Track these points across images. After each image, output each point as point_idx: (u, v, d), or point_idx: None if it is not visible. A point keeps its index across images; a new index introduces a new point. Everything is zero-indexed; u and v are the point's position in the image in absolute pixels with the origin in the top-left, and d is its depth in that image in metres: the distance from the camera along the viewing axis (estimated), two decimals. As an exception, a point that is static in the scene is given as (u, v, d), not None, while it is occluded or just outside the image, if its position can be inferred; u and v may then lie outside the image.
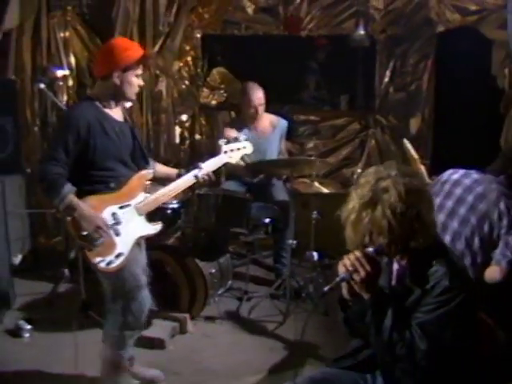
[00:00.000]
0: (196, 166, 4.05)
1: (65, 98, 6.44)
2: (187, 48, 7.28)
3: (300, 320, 4.85)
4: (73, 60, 6.53)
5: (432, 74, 6.58)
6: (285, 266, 5.55)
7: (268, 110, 5.87)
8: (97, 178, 3.69)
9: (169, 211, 5.35)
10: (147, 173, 3.88)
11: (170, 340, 4.65)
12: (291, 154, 6.80)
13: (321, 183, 5.64)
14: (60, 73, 6.32)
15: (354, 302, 2.56)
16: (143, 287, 3.87)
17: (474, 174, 3.72)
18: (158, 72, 7.07)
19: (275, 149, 5.80)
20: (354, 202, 2.45)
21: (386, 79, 6.80)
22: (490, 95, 6.05)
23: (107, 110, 3.75)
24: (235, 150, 4.31)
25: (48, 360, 4.33)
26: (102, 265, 3.64)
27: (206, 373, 4.26)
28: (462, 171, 3.79)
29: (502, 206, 3.46)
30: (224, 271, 5.25)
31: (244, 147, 4.37)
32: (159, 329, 4.69)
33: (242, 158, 4.50)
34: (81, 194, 3.61)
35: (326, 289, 2.48)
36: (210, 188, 5.16)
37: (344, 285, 2.55)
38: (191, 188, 4.35)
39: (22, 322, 4.75)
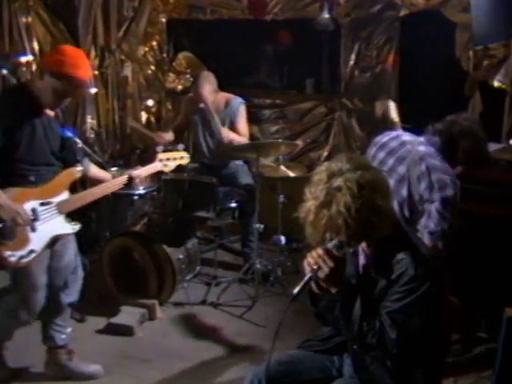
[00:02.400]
0: (129, 172, 4.11)
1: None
2: (152, 32, 7.24)
3: (269, 304, 4.90)
4: (36, 45, 6.45)
5: (396, 58, 6.61)
6: (252, 250, 5.56)
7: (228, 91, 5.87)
8: (17, 170, 3.59)
9: (135, 197, 5.34)
10: (75, 171, 3.82)
11: (139, 327, 4.66)
12: (257, 139, 6.81)
13: (287, 167, 5.64)
14: (23, 59, 6.24)
15: (324, 297, 2.59)
16: (41, 289, 3.78)
17: (404, 136, 3.64)
18: (123, 57, 7.02)
19: (226, 125, 5.73)
20: (309, 202, 2.45)
21: (351, 62, 6.81)
22: (454, 78, 6.10)
23: (36, 103, 3.63)
24: (171, 159, 4.34)
25: (16, 348, 4.29)
26: (13, 259, 3.56)
27: (174, 359, 4.28)
28: (394, 133, 3.74)
29: (422, 166, 3.40)
30: (192, 257, 5.25)
31: (181, 157, 4.41)
32: (128, 316, 4.70)
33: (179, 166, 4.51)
34: (1, 185, 3.51)
35: (295, 291, 2.50)
36: (176, 173, 5.14)
37: (312, 282, 2.57)
38: (155, 175, 4.35)
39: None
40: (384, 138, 3.72)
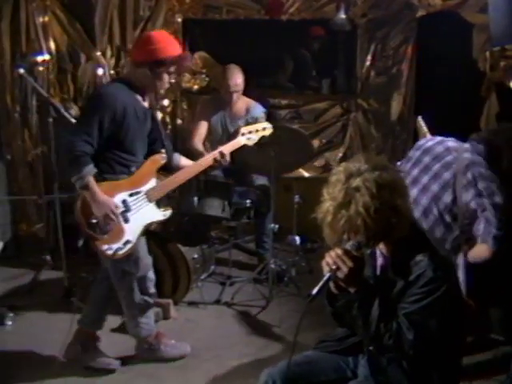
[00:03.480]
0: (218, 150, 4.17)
1: (45, 83, 6.39)
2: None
3: (283, 304, 4.90)
4: (52, 45, 6.46)
5: (413, 58, 6.59)
6: (267, 250, 5.56)
7: (249, 94, 5.89)
8: (122, 159, 3.75)
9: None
10: (160, 157, 3.91)
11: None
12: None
13: (303, 167, 5.63)
14: (40, 58, 6.26)
15: (341, 297, 2.58)
16: (151, 265, 4.07)
17: (450, 142, 3.65)
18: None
19: None
20: (327, 203, 2.45)
21: (367, 63, 6.78)
22: (470, 79, 6.07)
23: (137, 95, 3.81)
24: (254, 131, 4.31)
25: (31, 347, 4.33)
26: (110, 252, 3.72)
27: (189, 358, 4.28)
28: (438, 138, 3.73)
29: (469, 175, 3.40)
30: (206, 256, 5.26)
31: (263, 128, 4.35)
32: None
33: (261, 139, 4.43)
34: (101, 176, 3.67)
35: (314, 292, 2.48)
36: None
37: (330, 282, 2.55)
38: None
39: (4, 310, 4.74)
40: (429, 142, 3.73)
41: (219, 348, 4.44)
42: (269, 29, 7.20)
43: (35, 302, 5.02)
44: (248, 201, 5.29)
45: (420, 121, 4.44)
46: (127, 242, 3.77)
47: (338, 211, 2.40)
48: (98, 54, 6.54)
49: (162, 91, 3.86)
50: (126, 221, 3.76)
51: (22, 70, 5.15)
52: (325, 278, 2.50)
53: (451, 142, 3.65)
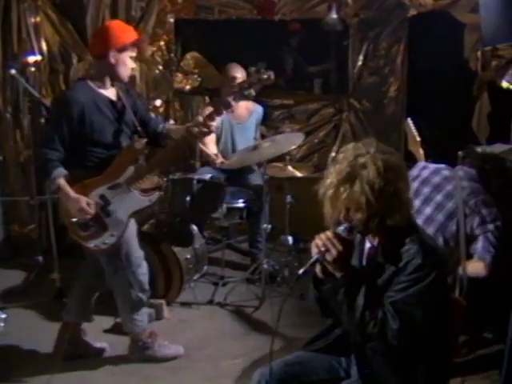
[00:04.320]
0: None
1: (37, 83, 6.38)
2: (160, 33, 7.23)
3: (276, 304, 4.90)
4: (44, 45, 6.45)
5: (405, 58, 6.60)
6: (260, 250, 5.56)
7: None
8: (97, 154, 3.80)
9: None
10: (136, 145, 3.93)
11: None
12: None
13: (295, 167, 5.63)
14: (31, 58, 6.25)
15: (328, 281, 2.57)
16: (143, 258, 4.10)
17: (445, 171, 3.76)
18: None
19: (250, 135, 5.83)
20: (331, 177, 2.47)
21: (359, 63, 6.79)
22: (462, 78, 6.09)
23: (101, 90, 3.84)
24: (246, 85, 3.87)
25: (24, 348, 4.33)
26: (95, 247, 3.79)
27: (182, 358, 4.28)
28: (432, 167, 3.81)
29: (471, 203, 3.55)
30: (199, 256, 5.25)
31: (259, 79, 3.82)
32: (135, 315, 4.69)
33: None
34: (77, 173, 3.74)
35: (300, 272, 2.51)
36: (184, 173, 5.17)
37: (318, 264, 2.56)
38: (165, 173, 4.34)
39: (-4, 311, 4.73)
40: (423, 172, 3.83)
41: (212, 348, 4.44)
42: (261, 29, 7.20)
43: (28, 302, 5.01)
44: (240, 201, 5.30)
45: (409, 123, 4.47)
46: (111, 235, 3.81)
47: (341, 185, 2.43)
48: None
49: (127, 78, 3.86)
50: (108, 214, 3.80)
51: (13, 71, 5.14)
52: (313, 260, 2.51)
53: (446, 171, 3.76)
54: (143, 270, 4.08)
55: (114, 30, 3.82)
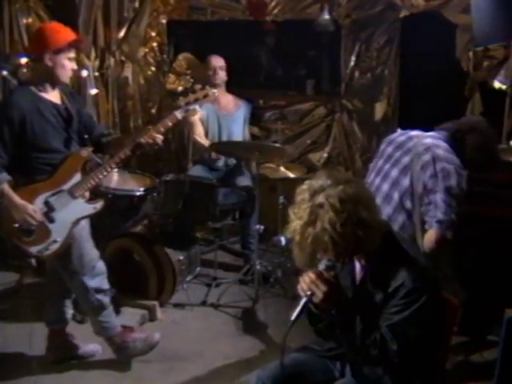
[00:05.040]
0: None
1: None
2: (153, 34, 7.23)
3: (269, 305, 4.90)
4: (36, 46, 6.44)
5: (397, 59, 6.61)
6: (253, 251, 5.56)
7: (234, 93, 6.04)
8: (43, 160, 3.73)
9: (136, 198, 5.33)
10: (81, 153, 3.86)
11: (139, 328, 4.64)
12: (257, 139, 6.83)
13: (287, 168, 5.64)
14: (24, 60, 6.24)
15: (324, 316, 2.61)
16: (97, 259, 4.03)
17: (412, 132, 3.66)
18: (123, 58, 7.02)
19: (239, 129, 5.88)
20: (294, 222, 2.46)
21: (352, 64, 6.79)
22: (454, 79, 6.10)
23: (43, 94, 3.76)
24: (192, 101, 4.03)
25: (15, 350, 4.31)
26: (38, 252, 3.76)
27: (175, 360, 4.28)
28: (403, 131, 3.75)
29: (427, 156, 3.38)
30: (192, 258, 5.25)
31: (205, 95, 4.06)
32: (128, 317, 4.69)
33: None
34: (22, 179, 3.72)
35: (293, 318, 2.50)
36: (176, 174, 5.18)
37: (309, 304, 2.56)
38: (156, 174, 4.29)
39: (-12, 313, 4.71)
40: (394, 135, 3.73)
41: (205, 349, 4.44)
42: (253, 29, 7.21)
43: (20, 305, 4.98)
44: (233, 202, 5.31)
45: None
46: (54, 241, 3.76)
47: (305, 230, 2.41)
48: (82, 55, 6.52)
49: (67, 80, 3.81)
50: (51, 221, 3.74)
51: (5, 72, 5.14)
52: (302, 303, 2.51)
53: (414, 132, 3.66)
54: (99, 271, 4.02)
55: (48, 31, 3.74)
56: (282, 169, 5.59)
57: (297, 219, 2.44)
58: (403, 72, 6.65)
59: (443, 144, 3.47)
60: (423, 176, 3.37)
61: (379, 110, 6.76)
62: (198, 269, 5.45)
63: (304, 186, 2.50)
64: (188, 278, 5.27)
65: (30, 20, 6.37)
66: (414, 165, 3.41)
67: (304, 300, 2.49)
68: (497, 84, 5.64)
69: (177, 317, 4.93)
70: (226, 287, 5.32)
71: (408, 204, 3.43)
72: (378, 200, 3.43)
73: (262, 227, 5.19)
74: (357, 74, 6.86)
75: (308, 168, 6.31)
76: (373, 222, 2.43)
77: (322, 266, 2.51)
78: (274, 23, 7.15)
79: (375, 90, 6.77)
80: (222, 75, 5.86)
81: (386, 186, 3.51)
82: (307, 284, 2.49)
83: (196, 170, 5.75)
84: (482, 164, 3.53)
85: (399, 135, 3.67)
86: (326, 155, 7.07)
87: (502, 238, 4.13)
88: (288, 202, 5.38)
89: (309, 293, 2.47)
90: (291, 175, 5.58)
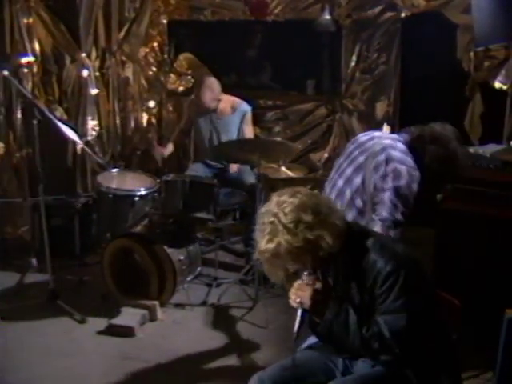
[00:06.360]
0: None
1: (30, 85, 6.37)
2: (153, 34, 7.23)
3: (269, 305, 4.90)
4: (37, 46, 6.44)
5: (397, 59, 6.60)
6: (254, 251, 5.54)
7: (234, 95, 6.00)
8: None
9: (136, 198, 5.33)
10: None
11: (140, 328, 4.65)
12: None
13: (288, 168, 5.64)
14: (24, 60, 6.25)
15: (322, 324, 2.67)
16: None
17: (376, 133, 3.66)
18: (124, 58, 7.02)
19: (234, 131, 5.91)
20: (261, 244, 2.56)
21: (352, 64, 6.78)
22: (455, 79, 6.10)
23: None
24: None
25: (16, 350, 4.32)
26: None
27: (175, 360, 4.28)
28: (369, 131, 3.76)
29: (382, 157, 3.37)
30: (193, 258, 5.24)
31: None
32: (129, 317, 4.69)
33: None
34: None
35: (295, 330, 2.62)
36: (176, 174, 5.19)
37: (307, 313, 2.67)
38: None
39: (-11, 313, 4.72)
40: (360, 134, 3.75)
41: (206, 349, 4.44)
42: (253, 29, 7.21)
43: (21, 304, 4.99)
44: (233, 202, 5.31)
45: (385, 128, 4.45)
46: None
47: (267, 248, 2.52)
48: (83, 55, 6.54)
49: None
50: None
51: (6, 72, 5.13)
52: (299, 314, 2.64)
53: (378, 132, 3.67)
54: None
55: None
56: (284, 169, 5.59)
57: (263, 241, 2.54)
58: (404, 72, 6.64)
59: (401, 146, 3.45)
60: (375, 176, 3.36)
61: (380, 110, 6.74)
62: (199, 269, 5.45)
63: (263, 209, 2.62)
64: (189, 278, 5.27)
65: (30, 20, 6.36)
66: (367, 164, 3.41)
67: (299, 312, 2.63)
68: (497, 84, 5.64)
69: (177, 317, 4.93)
70: (227, 287, 5.32)
71: (358, 202, 3.43)
72: (333, 195, 3.50)
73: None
74: (357, 74, 6.85)
75: (309, 168, 6.31)
76: (322, 223, 2.51)
77: (304, 276, 2.65)
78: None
79: (376, 90, 6.76)
80: (215, 102, 5.92)
81: (340, 182, 3.54)
82: (294, 294, 2.65)
83: (195, 166, 5.77)
84: (440, 174, 3.50)
85: (364, 135, 3.69)
86: (326, 155, 7.05)
87: (502, 238, 4.13)
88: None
89: (298, 300, 2.62)
90: (292, 175, 5.57)
